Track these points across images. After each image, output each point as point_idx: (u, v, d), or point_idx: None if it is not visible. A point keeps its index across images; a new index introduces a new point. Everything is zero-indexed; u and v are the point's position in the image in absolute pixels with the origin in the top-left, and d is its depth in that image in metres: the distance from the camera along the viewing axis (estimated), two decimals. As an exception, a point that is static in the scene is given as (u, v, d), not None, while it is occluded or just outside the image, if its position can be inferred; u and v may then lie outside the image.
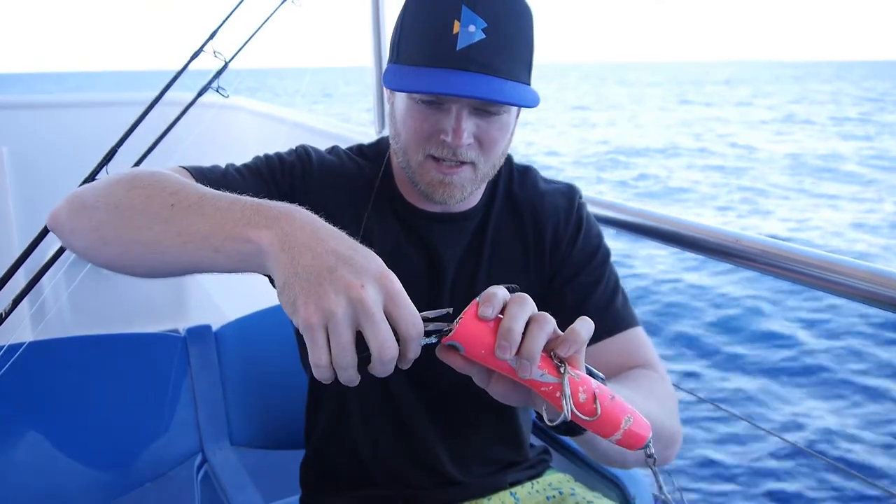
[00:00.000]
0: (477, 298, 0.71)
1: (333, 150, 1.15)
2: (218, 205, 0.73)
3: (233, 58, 1.60)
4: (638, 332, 1.10)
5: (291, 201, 1.02)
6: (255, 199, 0.74)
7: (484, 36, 0.90)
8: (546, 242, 1.13)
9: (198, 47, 1.59)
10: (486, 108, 0.95)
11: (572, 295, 1.10)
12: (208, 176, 0.98)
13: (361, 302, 0.64)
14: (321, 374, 0.66)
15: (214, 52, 1.58)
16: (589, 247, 1.13)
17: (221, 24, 1.62)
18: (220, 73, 1.58)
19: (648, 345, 1.10)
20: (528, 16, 0.96)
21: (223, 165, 1.05)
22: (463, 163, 0.98)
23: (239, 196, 0.75)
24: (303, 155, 1.09)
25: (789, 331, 6.69)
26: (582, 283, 1.11)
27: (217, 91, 1.58)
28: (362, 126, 2.76)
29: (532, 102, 0.95)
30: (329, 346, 0.64)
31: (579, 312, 1.07)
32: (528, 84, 0.97)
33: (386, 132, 2.35)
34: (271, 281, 0.72)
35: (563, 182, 1.19)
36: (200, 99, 1.57)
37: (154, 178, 0.81)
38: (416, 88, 0.92)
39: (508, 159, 1.17)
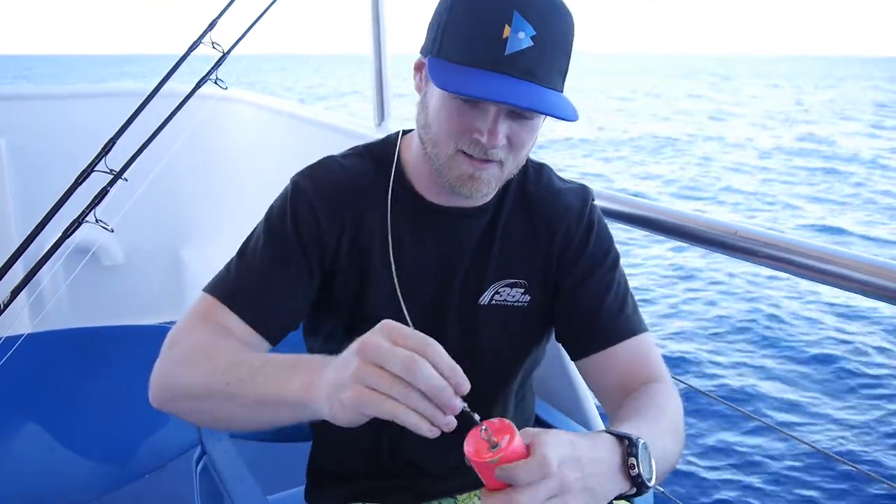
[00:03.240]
0: (508, 443, 0.70)
1: (324, 163, 1.12)
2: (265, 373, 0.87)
3: (231, 48, 1.59)
4: (646, 338, 1.11)
5: (301, 269, 1.06)
6: (282, 360, 0.87)
7: (532, 43, 0.91)
8: (557, 241, 1.13)
9: (196, 38, 1.58)
10: (522, 113, 0.96)
11: (584, 301, 1.11)
12: (238, 295, 1.05)
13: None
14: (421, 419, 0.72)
15: (213, 44, 1.57)
16: (599, 251, 1.13)
17: (220, 15, 1.61)
18: (218, 63, 1.58)
19: (655, 350, 1.11)
20: (572, 25, 0.97)
21: (240, 269, 1.07)
22: (492, 160, 0.98)
23: (270, 359, 0.90)
24: (296, 200, 1.07)
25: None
26: (592, 290, 1.11)
27: (216, 83, 1.57)
28: (361, 118, 2.75)
29: (572, 116, 0.95)
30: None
31: (591, 319, 1.10)
32: (562, 91, 0.98)
33: (385, 126, 2.33)
34: None
35: (577, 182, 1.19)
36: (199, 90, 1.57)
37: (210, 370, 0.93)
38: (465, 91, 0.92)
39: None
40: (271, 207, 1.10)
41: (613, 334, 1.09)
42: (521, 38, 0.90)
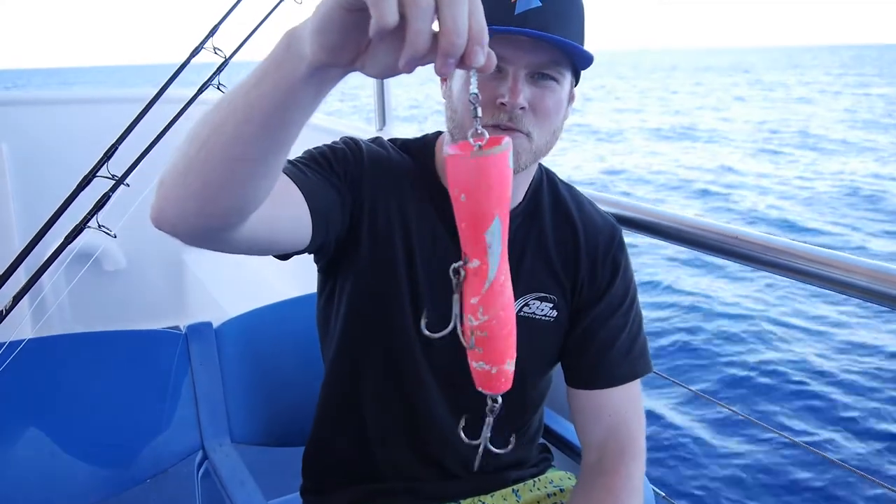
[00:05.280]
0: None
1: (377, 140, 1.14)
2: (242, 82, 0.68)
3: (234, 54, 1.59)
4: (636, 386, 1.14)
5: (346, 187, 1.03)
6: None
7: (540, 4, 0.93)
8: (581, 264, 1.14)
9: (198, 43, 1.58)
10: (542, 71, 0.98)
11: (598, 340, 1.13)
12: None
13: None
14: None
15: (215, 49, 1.58)
16: (621, 291, 1.15)
17: (222, 21, 1.61)
18: (220, 69, 1.58)
19: (640, 399, 1.15)
20: None
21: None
22: (519, 130, 0.99)
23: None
24: (350, 144, 1.09)
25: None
26: (608, 329, 1.13)
27: (218, 88, 1.58)
28: (363, 123, 2.76)
29: (588, 58, 0.99)
30: None
31: (599, 358, 1.12)
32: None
33: (386, 131, 2.33)
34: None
35: (609, 213, 1.21)
36: (201, 96, 1.57)
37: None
38: None
39: (552, 174, 1.18)
40: (322, 144, 1.08)
41: (615, 378, 1.12)
42: None
